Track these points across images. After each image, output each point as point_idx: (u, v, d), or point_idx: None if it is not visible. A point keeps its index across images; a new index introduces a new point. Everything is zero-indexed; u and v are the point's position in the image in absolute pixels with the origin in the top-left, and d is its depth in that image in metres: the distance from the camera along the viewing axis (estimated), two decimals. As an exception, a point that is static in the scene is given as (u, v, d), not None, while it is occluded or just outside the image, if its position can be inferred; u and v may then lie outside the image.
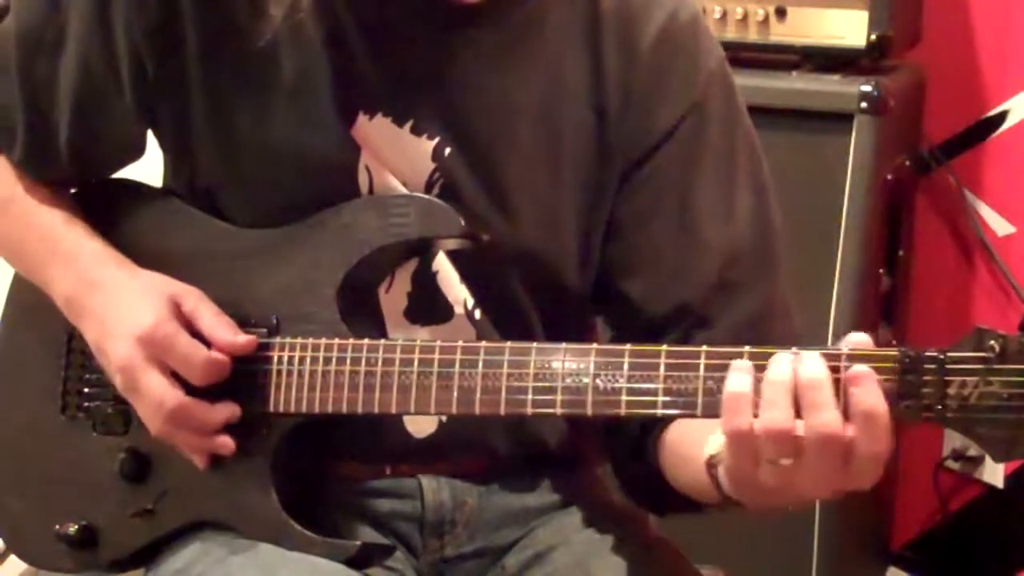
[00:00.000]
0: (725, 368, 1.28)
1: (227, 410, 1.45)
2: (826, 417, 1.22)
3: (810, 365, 1.23)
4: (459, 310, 1.51)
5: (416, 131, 1.48)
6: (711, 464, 1.33)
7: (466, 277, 1.51)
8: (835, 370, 1.24)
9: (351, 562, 1.44)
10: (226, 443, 1.45)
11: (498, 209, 1.49)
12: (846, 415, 1.22)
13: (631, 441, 1.50)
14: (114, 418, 1.52)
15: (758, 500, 1.33)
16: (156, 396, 1.44)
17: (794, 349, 1.26)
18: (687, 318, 1.49)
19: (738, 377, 1.25)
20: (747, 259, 1.53)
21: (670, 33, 1.52)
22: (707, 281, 1.51)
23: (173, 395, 1.44)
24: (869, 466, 1.24)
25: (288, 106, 1.46)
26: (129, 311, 1.46)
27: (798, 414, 1.23)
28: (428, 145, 1.48)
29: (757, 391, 1.24)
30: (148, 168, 1.62)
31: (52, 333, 1.56)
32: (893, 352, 1.23)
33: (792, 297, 1.58)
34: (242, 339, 1.45)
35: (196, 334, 1.45)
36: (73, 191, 1.62)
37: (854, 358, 1.24)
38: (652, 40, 1.51)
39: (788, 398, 1.23)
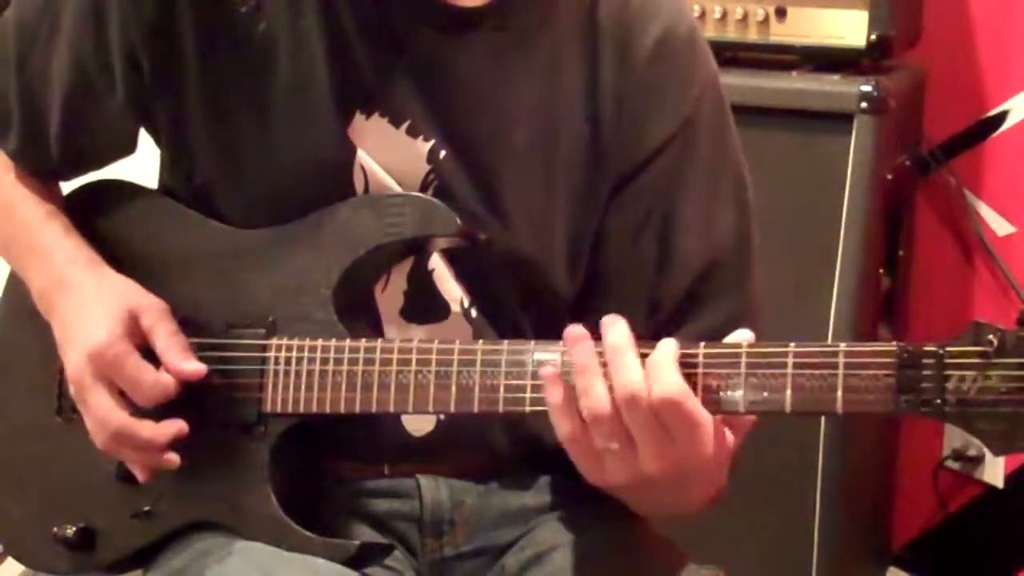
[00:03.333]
0: (724, 366, 1.29)
1: (172, 428, 1.45)
2: (625, 377, 1.26)
3: (611, 335, 1.28)
4: (456, 308, 1.51)
5: (412, 132, 1.48)
6: None
7: (461, 276, 1.51)
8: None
9: (350, 562, 1.43)
10: (171, 460, 1.45)
11: (491, 212, 1.49)
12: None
13: None
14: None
15: (636, 504, 1.41)
16: (100, 415, 1.45)
17: (793, 345, 1.26)
18: (653, 321, 1.51)
19: (555, 391, 1.30)
20: (722, 272, 1.54)
21: (667, 46, 1.52)
22: (680, 291, 1.53)
23: (116, 416, 1.44)
24: (680, 426, 1.26)
25: (285, 104, 1.47)
26: (87, 322, 1.47)
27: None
28: (424, 147, 1.48)
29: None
30: (142, 165, 1.62)
31: (47, 334, 1.55)
32: (891, 347, 1.23)
33: (761, 297, 1.59)
34: (190, 367, 1.45)
35: (150, 353, 1.46)
36: (68, 192, 1.63)
37: (853, 353, 1.24)
38: (648, 52, 1.51)
39: (601, 381, 1.27)
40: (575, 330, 1.30)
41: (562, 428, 1.30)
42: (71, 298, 1.50)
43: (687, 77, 1.54)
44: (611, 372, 1.27)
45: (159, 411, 1.45)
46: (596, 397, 1.27)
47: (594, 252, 1.55)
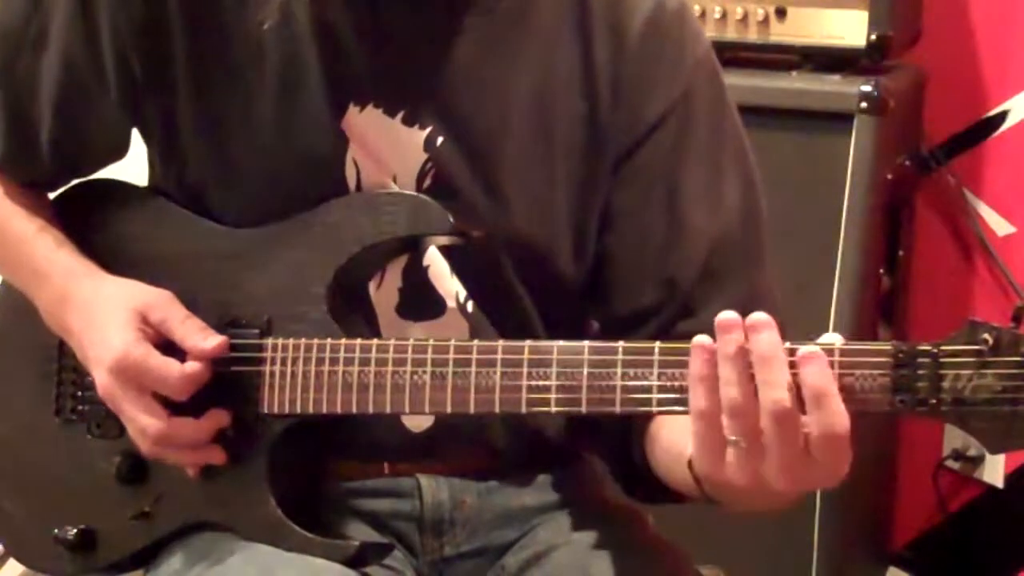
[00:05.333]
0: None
1: (213, 421, 1.45)
2: (778, 394, 1.21)
3: (762, 342, 1.22)
4: (451, 304, 1.51)
5: (408, 121, 1.48)
6: (691, 462, 1.31)
7: (458, 270, 1.51)
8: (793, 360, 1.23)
9: (349, 562, 1.43)
10: (215, 454, 1.45)
11: (491, 198, 1.49)
12: (799, 396, 1.21)
13: (616, 437, 1.51)
14: (109, 421, 1.52)
15: (732, 496, 1.33)
16: (138, 424, 1.44)
17: (787, 345, 1.25)
18: (670, 305, 1.49)
19: (698, 359, 1.23)
20: (734, 247, 1.52)
21: (657, 22, 1.53)
22: (694, 267, 1.50)
23: (154, 422, 1.44)
24: (829, 453, 1.22)
25: (276, 99, 1.47)
26: (100, 336, 1.46)
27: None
28: (420, 135, 1.48)
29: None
30: (131, 166, 1.62)
31: (45, 336, 1.56)
32: (887, 346, 1.23)
33: (776, 286, 1.57)
34: (211, 344, 1.45)
35: (169, 344, 1.45)
36: (57, 192, 1.62)
37: (848, 352, 1.24)
38: (640, 29, 1.52)
39: (745, 375, 1.22)
40: (729, 315, 1.23)
41: (696, 401, 1.24)
42: (78, 314, 1.50)
43: (679, 52, 1.54)
44: (759, 382, 1.21)
45: (181, 408, 1.45)
46: (739, 392, 1.22)
47: (601, 234, 1.54)
